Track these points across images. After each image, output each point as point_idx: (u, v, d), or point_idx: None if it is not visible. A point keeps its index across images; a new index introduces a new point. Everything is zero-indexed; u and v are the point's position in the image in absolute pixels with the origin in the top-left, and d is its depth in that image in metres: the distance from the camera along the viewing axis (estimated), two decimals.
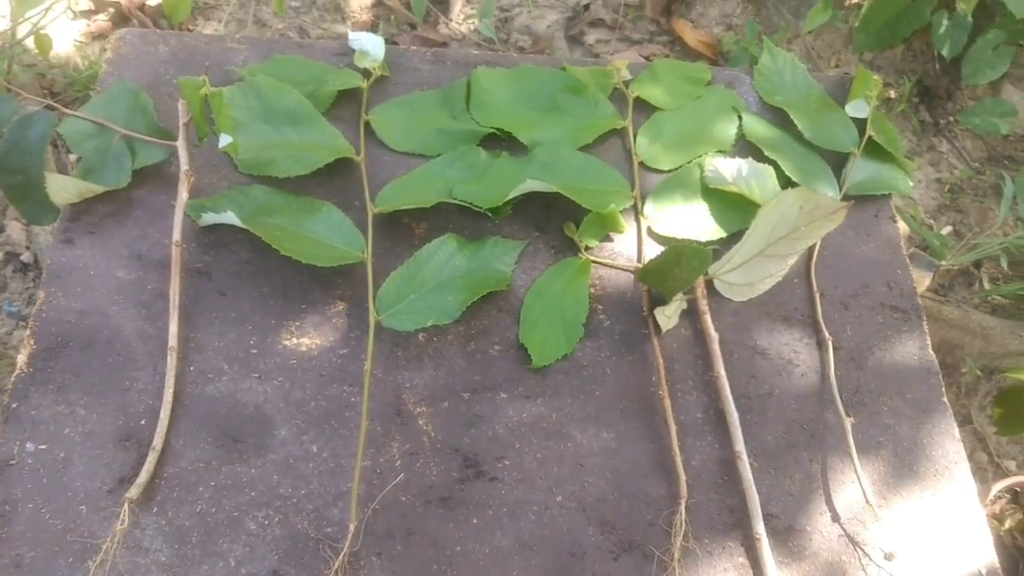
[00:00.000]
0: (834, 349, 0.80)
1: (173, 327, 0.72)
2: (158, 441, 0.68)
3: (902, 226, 1.34)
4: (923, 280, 1.33)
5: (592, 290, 0.81)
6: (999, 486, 1.19)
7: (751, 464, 0.73)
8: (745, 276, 0.80)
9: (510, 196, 0.81)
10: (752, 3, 1.73)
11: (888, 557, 0.71)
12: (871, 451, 0.76)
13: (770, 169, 0.88)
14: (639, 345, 0.79)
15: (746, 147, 0.91)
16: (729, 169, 0.86)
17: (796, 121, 0.92)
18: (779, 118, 0.94)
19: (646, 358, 0.78)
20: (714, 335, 0.78)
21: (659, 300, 0.80)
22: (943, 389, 0.81)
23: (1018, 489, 1.22)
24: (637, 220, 0.86)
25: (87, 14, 1.57)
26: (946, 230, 1.52)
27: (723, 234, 0.85)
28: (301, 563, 0.65)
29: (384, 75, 0.93)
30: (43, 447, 0.68)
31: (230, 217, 0.77)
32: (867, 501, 0.72)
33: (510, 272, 0.80)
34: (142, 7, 1.58)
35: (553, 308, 0.79)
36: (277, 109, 0.84)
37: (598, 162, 0.88)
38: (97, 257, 0.77)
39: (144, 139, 0.82)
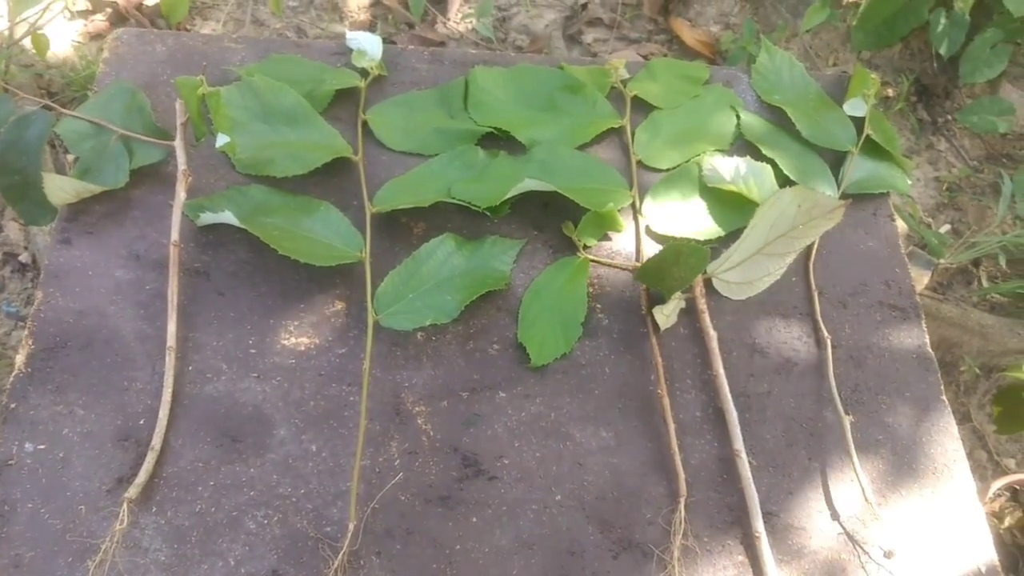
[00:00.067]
0: (833, 347, 0.80)
1: (171, 327, 0.72)
2: (157, 441, 0.68)
3: (900, 224, 1.34)
4: (922, 278, 1.33)
5: (591, 289, 0.81)
6: (998, 484, 1.19)
7: (750, 462, 0.73)
8: (743, 275, 0.80)
9: (508, 195, 0.81)
10: (750, 2, 1.73)
11: (887, 555, 0.71)
12: (870, 449, 0.76)
13: (768, 168, 0.88)
14: (638, 344, 0.79)
15: (744, 146, 0.91)
16: (727, 168, 0.86)
17: (794, 120, 0.92)
18: (777, 117, 0.94)
19: (645, 357, 0.78)
20: (713, 334, 0.78)
21: (658, 299, 0.80)
22: (942, 387, 0.81)
23: (1017, 487, 1.22)
24: (635, 219, 0.86)
25: (84, 14, 1.57)
26: (944, 228, 1.52)
27: (721, 233, 0.85)
28: (300, 562, 0.65)
29: (382, 74, 0.93)
30: (42, 447, 0.67)
31: (228, 217, 0.77)
32: (866, 499, 0.72)
33: (509, 271, 0.80)
34: (139, 7, 1.58)
35: (552, 307, 0.79)
36: (275, 109, 0.83)
37: (596, 161, 0.88)
38: (95, 257, 0.77)
39: (142, 139, 0.81)
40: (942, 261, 1.40)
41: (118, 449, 0.68)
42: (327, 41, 0.98)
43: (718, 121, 0.93)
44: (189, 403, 0.71)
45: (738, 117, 0.93)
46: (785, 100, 0.95)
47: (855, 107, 0.95)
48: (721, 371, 0.76)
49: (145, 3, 1.59)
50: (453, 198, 0.81)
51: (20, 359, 0.71)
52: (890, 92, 1.63)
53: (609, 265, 0.83)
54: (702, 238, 0.84)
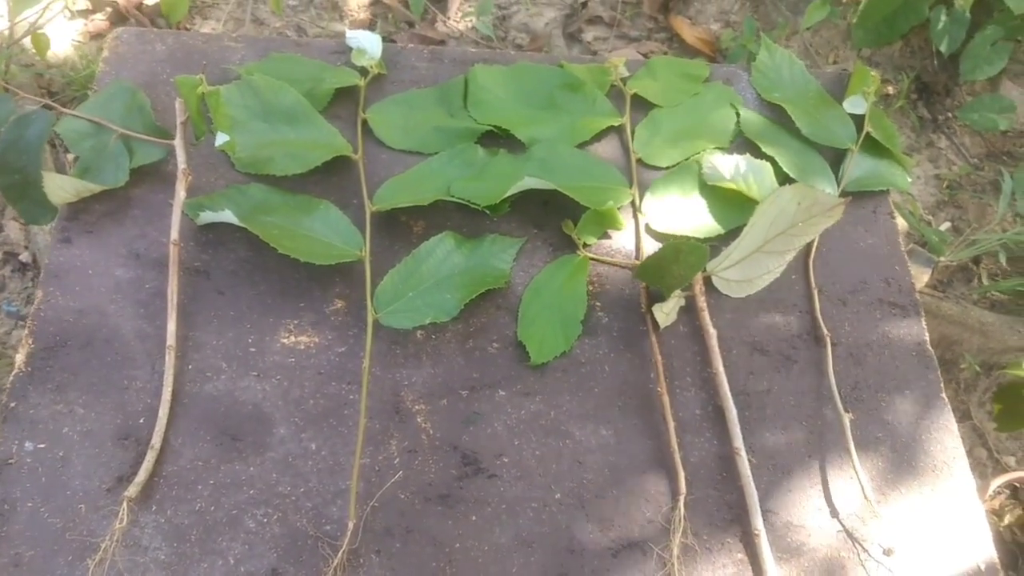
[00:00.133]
0: (832, 345, 0.80)
1: (171, 326, 0.72)
2: (157, 440, 0.68)
3: (900, 222, 1.34)
4: (922, 276, 1.33)
5: (590, 287, 0.81)
6: (998, 481, 1.19)
7: (750, 460, 0.73)
8: (743, 272, 0.80)
9: (508, 194, 0.81)
10: (750, 0, 1.73)
11: (887, 553, 0.71)
12: (870, 447, 0.76)
13: (768, 165, 0.88)
14: (638, 342, 0.79)
15: (744, 143, 0.91)
16: (727, 165, 0.86)
17: (794, 117, 0.92)
18: (777, 114, 0.94)
19: (644, 355, 0.78)
20: (712, 331, 0.78)
21: (657, 297, 0.80)
22: (941, 385, 0.81)
23: (1017, 485, 1.22)
24: (635, 217, 0.86)
25: (84, 14, 1.57)
26: (945, 226, 1.52)
27: (721, 231, 0.85)
28: (300, 561, 0.65)
29: (382, 73, 0.93)
30: (42, 446, 0.68)
31: (228, 216, 0.77)
32: (866, 497, 0.72)
33: (508, 270, 0.80)
34: (139, 6, 1.58)
35: (551, 305, 0.79)
36: (274, 107, 0.83)
37: (596, 159, 0.88)
38: (95, 256, 0.77)
39: (141, 138, 0.81)
40: (942, 259, 1.40)
41: (118, 448, 0.68)
42: (327, 40, 0.98)
43: (718, 119, 0.93)
44: (189, 402, 0.71)
45: (738, 115, 0.93)
46: (785, 98, 0.95)
47: (855, 105, 0.95)
48: (721, 369, 0.76)
49: (145, 2, 1.59)
50: (453, 196, 0.81)
51: (20, 358, 0.71)
52: (890, 90, 1.63)
53: (609, 263, 0.83)
54: (702, 236, 0.84)
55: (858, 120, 0.94)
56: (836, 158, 0.92)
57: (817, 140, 0.91)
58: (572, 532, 0.69)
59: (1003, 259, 1.41)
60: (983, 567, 0.72)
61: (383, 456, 0.71)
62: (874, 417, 0.78)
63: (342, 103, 0.89)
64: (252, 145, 0.82)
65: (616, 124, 0.92)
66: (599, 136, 0.91)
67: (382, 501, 0.69)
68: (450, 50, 0.98)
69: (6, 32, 1.35)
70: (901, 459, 0.76)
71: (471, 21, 1.65)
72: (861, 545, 0.72)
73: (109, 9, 1.57)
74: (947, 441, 0.78)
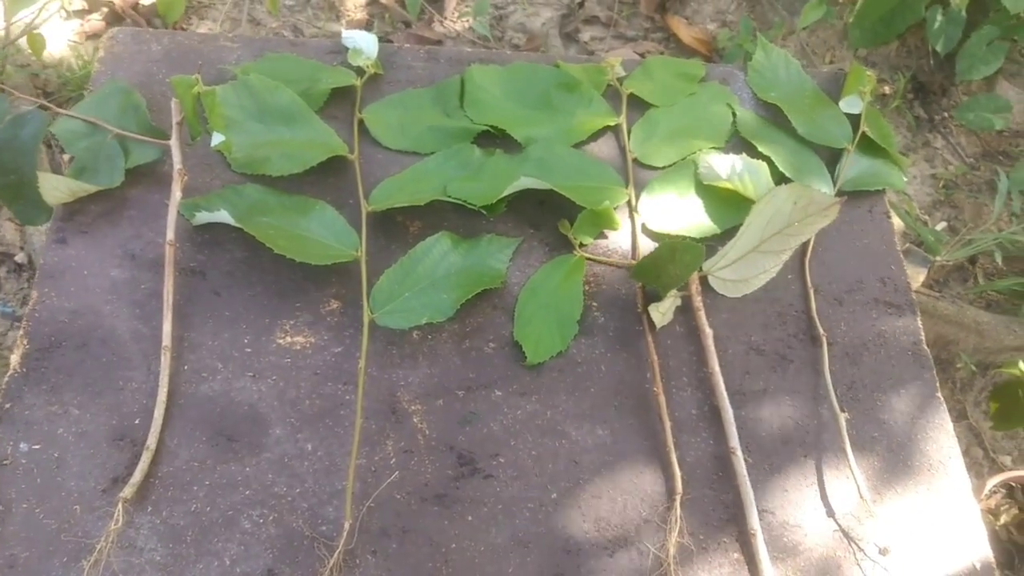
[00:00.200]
0: (828, 345, 0.80)
1: (167, 326, 0.72)
2: (152, 440, 0.68)
3: (897, 222, 1.34)
4: (918, 276, 1.33)
5: (586, 287, 0.81)
6: (994, 481, 1.19)
7: (746, 460, 0.73)
8: (739, 272, 0.80)
9: (504, 194, 0.81)
10: (747, 0, 1.73)
11: (882, 552, 0.71)
12: (865, 446, 0.76)
13: (764, 165, 0.88)
14: (634, 342, 0.79)
15: (740, 143, 0.91)
16: (723, 165, 0.86)
17: (790, 117, 0.92)
18: (773, 114, 0.94)
19: (641, 355, 0.78)
20: (708, 331, 0.78)
21: (653, 297, 0.80)
22: (937, 384, 0.81)
23: (1013, 484, 1.22)
24: (631, 217, 0.86)
25: (80, 14, 1.57)
26: (941, 226, 1.52)
27: (717, 230, 0.85)
28: (296, 561, 0.65)
29: (378, 73, 0.92)
30: (37, 447, 0.67)
31: (224, 216, 0.77)
32: (861, 496, 0.72)
33: (504, 269, 0.80)
34: (136, 6, 1.58)
35: (548, 305, 0.79)
36: (270, 107, 0.83)
37: (592, 159, 0.88)
38: (90, 257, 0.77)
39: (137, 138, 0.81)
40: (938, 258, 1.40)
41: (113, 449, 0.68)
42: (323, 40, 0.98)
43: (714, 118, 0.93)
44: (185, 402, 0.71)
45: (734, 114, 0.93)
46: (781, 97, 0.95)
47: (851, 104, 0.95)
48: (717, 369, 0.76)
49: (141, 2, 1.58)
50: (449, 196, 0.81)
51: (15, 359, 0.71)
52: (887, 89, 1.64)
53: (605, 263, 0.83)
54: (698, 235, 0.84)
55: (854, 120, 0.94)
56: (832, 158, 0.92)
57: (813, 140, 0.91)
58: (568, 532, 0.69)
59: (999, 258, 1.42)
60: (978, 566, 0.72)
61: (379, 456, 0.71)
62: (870, 416, 0.78)
63: (338, 103, 0.89)
64: (248, 145, 0.82)
65: (612, 124, 0.92)
66: (595, 136, 0.91)
67: (378, 501, 0.68)
68: (446, 50, 0.98)
69: (2, 32, 1.35)
70: (897, 458, 0.76)
71: (468, 21, 1.65)
72: (857, 544, 0.72)
73: (105, 9, 1.57)
74: (943, 440, 0.78)
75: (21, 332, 0.72)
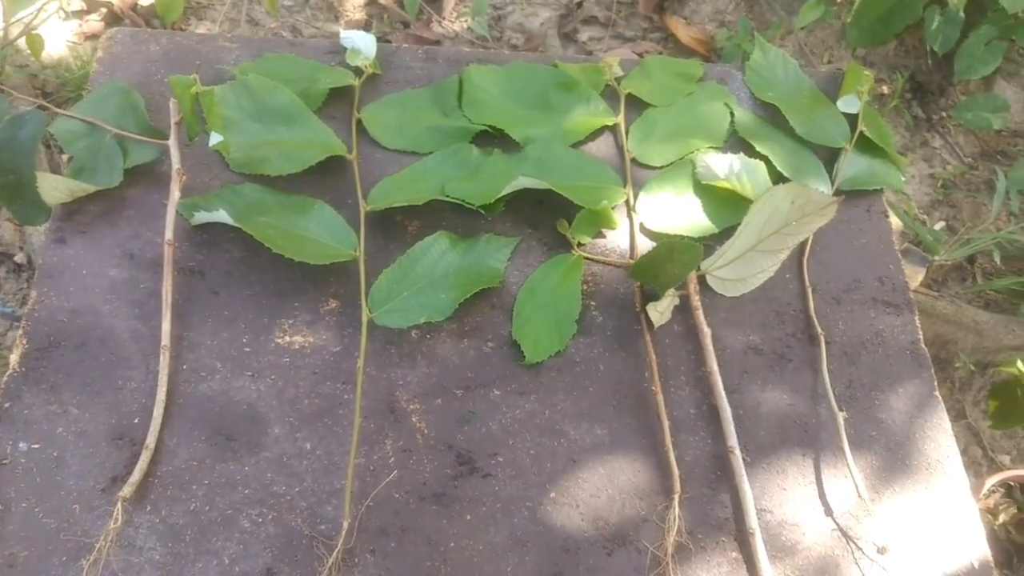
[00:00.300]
0: (826, 344, 0.81)
1: (166, 326, 0.72)
2: (151, 440, 0.68)
3: (895, 221, 1.34)
4: (916, 275, 1.34)
5: (585, 286, 0.82)
6: (993, 480, 1.19)
7: (744, 459, 0.73)
8: (737, 271, 0.80)
9: (502, 193, 0.81)
10: (745, 0, 1.73)
11: (881, 551, 0.71)
12: (864, 445, 0.77)
13: (762, 164, 0.88)
14: (632, 341, 0.79)
15: (738, 143, 0.91)
16: (721, 165, 0.87)
17: (788, 117, 0.92)
18: (771, 114, 0.94)
19: (639, 354, 0.78)
20: (707, 330, 0.78)
21: (652, 296, 0.80)
22: (935, 383, 0.81)
23: (1012, 483, 1.22)
24: (629, 216, 0.86)
25: (79, 14, 1.57)
26: (939, 225, 1.52)
27: (715, 230, 0.85)
28: (295, 560, 0.65)
29: (376, 73, 0.93)
30: (36, 446, 0.67)
31: (222, 216, 0.77)
32: (860, 495, 0.72)
33: (503, 269, 0.80)
34: (134, 7, 1.58)
35: (546, 305, 0.79)
36: (269, 107, 0.83)
37: (590, 159, 0.88)
38: (89, 256, 0.77)
39: (136, 138, 0.81)
40: (937, 258, 1.40)
41: (112, 448, 0.68)
42: (321, 40, 0.98)
43: (712, 118, 0.93)
44: (184, 402, 0.71)
45: (732, 114, 0.93)
46: (779, 97, 0.95)
47: (849, 104, 0.95)
48: (715, 368, 0.76)
49: (140, 3, 1.59)
50: (447, 196, 0.81)
51: (14, 358, 0.71)
52: (885, 89, 1.64)
53: (603, 262, 0.84)
54: (696, 235, 0.84)
55: (852, 119, 0.94)
56: (830, 157, 0.92)
57: (811, 139, 0.91)
58: (567, 531, 0.69)
59: (997, 258, 1.42)
60: (976, 565, 0.72)
61: (378, 456, 0.71)
62: (868, 416, 0.78)
63: (336, 103, 0.90)
64: (246, 145, 0.82)
65: (610, 124, 0.92)
66: (593, 136, 0.91)
67: (377, 500, 0.69)
68: (445, 50, 0.98)
69: (1, 33, 1.35)
70: (895, 457, 0.76)
71: (466, 21, 1.65)
72: (855, 543, 0.72)
73: (104, 10, 1.57)
74: (941, 439, 0.78)
75: (20, 332, 0.72)
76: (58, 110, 0.82)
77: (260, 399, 0.72)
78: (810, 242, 0.87)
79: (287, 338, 0.75)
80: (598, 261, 0.83)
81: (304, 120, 0.84)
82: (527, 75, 0.93)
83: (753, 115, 0.94)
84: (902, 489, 0.75)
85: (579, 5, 1.73)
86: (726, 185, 0.86)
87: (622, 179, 0.88)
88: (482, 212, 0.83)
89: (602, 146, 0.91)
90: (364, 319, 0.75)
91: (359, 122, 0.89)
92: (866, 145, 0.93)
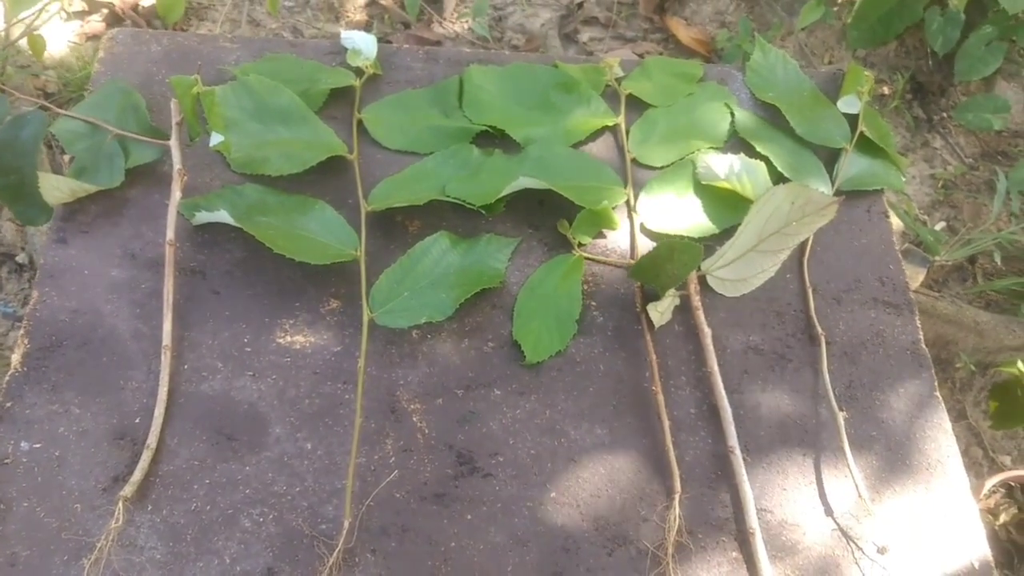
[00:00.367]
0: (827, 344, 0.81)
1: (167, 326, 0.72)
2: (152, 439, 0.68)
3: (896, 222, 1.34)
4: (917, 276, 1.34)
5: (585, 286, 0.82)
6: (993, 480, 1.19)
7: (744, 459, 0.73)
8: (737, 272, 0.80)
9: (503, 193, 0.81)
10: (745, 0, 1.73)
11: (881, 551, 0.71)
12: (864, 445, 0.77)
13: (762, 165, 0.88)
14: (632, 341, 0.79)
15: (738, 143, 0.92)
16: (721, 165, 0.87)
17: (788, 117, 0.92)
18: (771, 114, 0.94)
19: (639, 354, 0.79)
20: (707, 331, 0.78)
21: (652, 296, 0.80)
22: (935, 383, 0.81)
23: (1012, 484, 1.22)
24: (630, 217, 0.86)
25: (81, 15, 1.57)
26: (940, 226, 1.52)
27: (715, 230, 0.85)
28: (296, 560, 0.65)
29: (377, 74, 0.93)
30: (38, 446, 0.68)
31: (223, 216, 0.77)
32: (860, 495, 0.73)
33: (503, 269, 0.81)
34: (135, 7, 1.58)
35: (546, 305, 0.79)
36: (270, 108, 0.84)
37: (591, 159, 0.89)
38: (91, 256, 0.77)
39: (137, 138, 0.82)
40: (938, 258, 1.40)
41: (114, 447, 0.68)
42: (322, 40, 0.98)
43: (712, 118, 0.93)
44: (185, 401, 0.71)
45: (732, 114, 0.93)
46: (779, 97, 0.95)
47: (849, 104, 0.95)
48: (715, 368, 0.77)
49: (141, 4, 1.59)
50: (448, 196, 0.81)
51: (16, 358, 0.71)
52: (885, 90, 1.64)
53: (604, 262, 0.84)
54: (696, 235, 0.84)
55: (852, 119, 0.94)
56: (830, 157, 0.92)
57: (811, 139, 0.92)
58: (567, 531, 0.69)
59: (998, 258, 1.42)
60: (976, 565, 0.72)
61: (379, 455, 0.71)
62: (868, 416, 0.78)
63: (337, 104, 0.90)
64: (247, 145, 0.82)
65: (611, 124, 0.92)
66: (594, 136, 0.91)
67: (378, 500, 0.69)
68: (445, 51, 0.99)
69: (2, 33, 1.35)
70: (895, 457, 0.76)
71: (467, 22, 1.65)
72: (855, 543, 0.72)
73: (105, 10, 1.57)
74: (941, 440, 0.78)
75: (22, 332, 0.73)
76: (60, 110, 0.82)
77: (261, 399, 0.72)
78: (810, 242, 0.87)
79: (288, 338, 0.75)
80: (599, 261, 0.84)
81: (305, 120, 0.84)
82: (528, 75, 0.93)
83: (753, 115, 0.94)
84: (902, 489, 0.75)
85: (580, 6, 1.73)
86: (726, 185, 0.86)
87: (622, 179, 0.88)
88: (483, 212, 0.83)
89: (602, 146, 0.92)
90: (365, 319, 0.75)
91: (360, 122, 0.89)
92: (866, 145, 0.93)
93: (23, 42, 1.34)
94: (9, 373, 0.71)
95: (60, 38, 1.52)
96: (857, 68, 0.96)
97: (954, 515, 0.74)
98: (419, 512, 0.69)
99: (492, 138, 0.89)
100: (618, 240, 0.86)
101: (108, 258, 0.77)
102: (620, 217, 0.86)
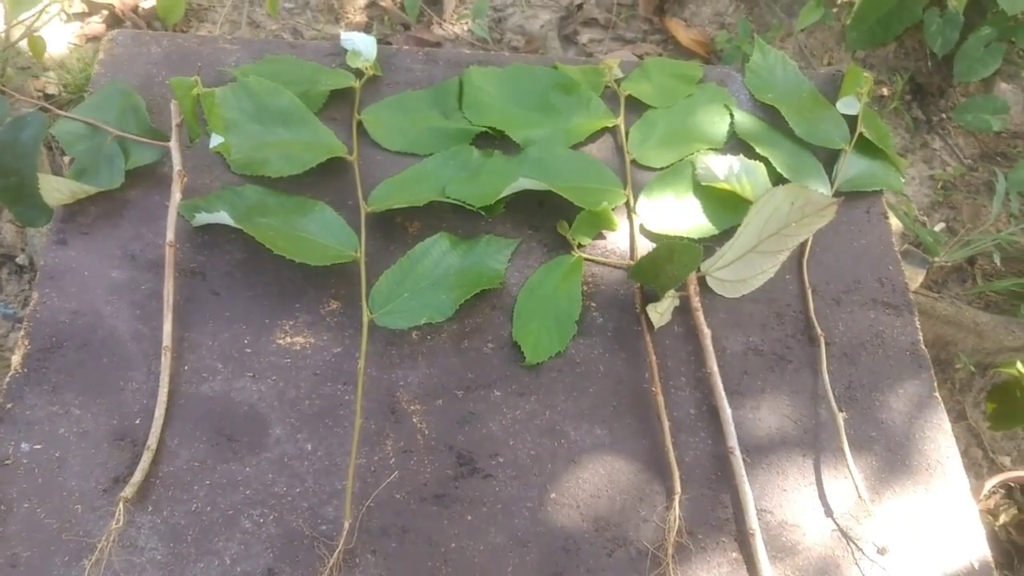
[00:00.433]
0: (826, 345, 0.81)
1: (167, 327, 0.72)
2: (153, 440, 0.68)
3: (895, 223, 1.34)
4: (916, 277, 1.34)
5: (585, 287, 0.82)
6: (993, 481, 1.19)
7: (744, 460, 0.73)
8: (737, 273, 0.80)
9: (503, 194, 0.82)
10: (745, 2, 1.73)
11: (881, 551, 0.71)
12: (863, 446, 0.77)
13: (761, 166, 0.88)
14: (632, 342, 0.79)
15: (738, 144, 0.92)
16: (721, 166, 0.87)
17: (787, 118, 0.92)
18: (770, 115, 0.95)
19: (639, 355, 0.79)
20: (707, 331, 0.78)
21: (652, 297, 0.80)
22: (935, 384, 0.81)
23: (1012, 484, 1.22)
24: (629, 218, 0.86)
25: (81, 16, 1.57)
26: (939, 227, 1.52)
27: (715, 231, 0.85)
28: (296, 561, 0.65)
29: (376, 75, 0.93)
30: (38, 447, 0.68)
31: (223, 217, 0.77)
32: (859, 496, 0.73)
33: (503, 270, 0.81)
34: (135, 9, 1.58)
35: (546, 306, 0.79)
36: (269, 109, 0.84)
37: (590, 160, 0.89)
38: (91, 258, 0.77)
39: (137, 140, 0.82)
40: (937, 259, 1.41)
41: (114, 449, 0.68)
42: (322, 42, 0.98)
43: (712, 120, 0.93)
44: (185, 402, 0.71)
45: (732, 116, 0.93)
46: (778, 98, 0.95)
47: (848, 105, 0.95)
48: (715, 369, 0.77)
49: (141, 5, 1.59)
50: (448, 197, 0.82)
51: (16, 359, 0.71)
52: (885, 91, 1.64)
53: (603, 263, 0.84)
54: (696, 236, 0.84)
55: (851, 121, 0.94)
56: (830, 158, 0.92)
57: (810, 141, 0.92)
58: (567, 531, 0.69)
59: (997, 259, 1.42)
60: (976, 566, 0.72)
61: (379, 456, 0.71)
62: (868, 416, 0.78)
63: (337, 105, 0.90)
64: (247, 147, 0.82)
65: (610, 125, 0.92)
66: (593, 137, 0.91)
67: (378, 501, 0.69)
68: (445, 52, 0.99)
69: (2, 35, 1.35)
70: (895, 458, 0.77)
71: (466, 23, 1.65)
72: (855, 544, 0.72)
73: (105, 12, 1.57)
74: (941, 440, 0.78)
75: (22, 333, 0.73)
76: (60, 112, 0.82)
77: (261, 400, 0.72)
78: (810, 243, 0.87)
79: (288, 339, 0.75)
80: (598, 262, 0.84)
81: (305, 122, 0.85)
82: (527, 77, 0.93)
83: (753, 117, 0.94)
84: (902, 490, 0.75)
85: (579, 7, 1.73)
86: (726, 186, 0.86)
87: (622, 180, 0.88)
88: (482, 213, 0.83)
89: (602, 148, 0.92)
90: (365, 320, 0.75)
91: (360, 124, 0.89)
92: (866, 146, 0.93)
93: (23, 43, 1.34)
94: (9, 374, 0.71)
95: (60, 40, 1.52)
96: (856, 69, 0.97)
97: (954, 516, 0.74)
98: (419, 513, 0.69)
99: (492, 139, 0.89)
100: (618, 241, 0.86)
101: (108, 259, 0.77)
102: (620, 218, 0.86)
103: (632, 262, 0.83)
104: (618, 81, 0.96)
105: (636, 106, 0.94)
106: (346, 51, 0.93)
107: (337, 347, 0.75)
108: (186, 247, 0.79)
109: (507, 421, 0.74)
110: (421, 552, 0.67)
